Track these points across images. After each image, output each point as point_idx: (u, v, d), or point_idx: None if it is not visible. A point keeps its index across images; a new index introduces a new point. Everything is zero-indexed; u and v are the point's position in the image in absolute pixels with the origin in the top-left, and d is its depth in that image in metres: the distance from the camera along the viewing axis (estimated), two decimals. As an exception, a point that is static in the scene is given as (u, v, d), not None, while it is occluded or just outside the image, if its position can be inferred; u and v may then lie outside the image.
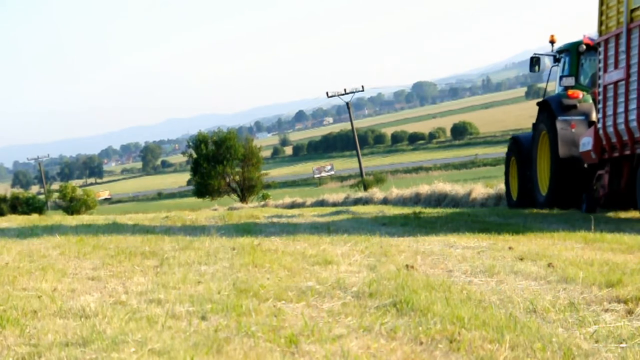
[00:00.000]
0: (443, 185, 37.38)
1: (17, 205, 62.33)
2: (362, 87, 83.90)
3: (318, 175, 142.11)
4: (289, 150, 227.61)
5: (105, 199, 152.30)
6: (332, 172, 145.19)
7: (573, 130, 18.21)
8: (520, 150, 21.06)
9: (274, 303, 6.56)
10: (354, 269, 8.41)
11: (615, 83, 15.76)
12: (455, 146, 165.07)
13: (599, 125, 16.58)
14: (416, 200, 38.32)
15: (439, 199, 35.72)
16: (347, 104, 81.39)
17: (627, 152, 15.76)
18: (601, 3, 16.39)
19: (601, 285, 7.09)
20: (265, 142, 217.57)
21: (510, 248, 9.98)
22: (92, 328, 5.69)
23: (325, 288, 7.16)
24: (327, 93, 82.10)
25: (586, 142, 17.49)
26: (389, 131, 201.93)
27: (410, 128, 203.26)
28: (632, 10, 15.07)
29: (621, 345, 5.22)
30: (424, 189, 38.92)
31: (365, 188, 60.06)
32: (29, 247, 11.25)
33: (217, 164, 72.95)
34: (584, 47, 19.32)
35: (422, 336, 5.36)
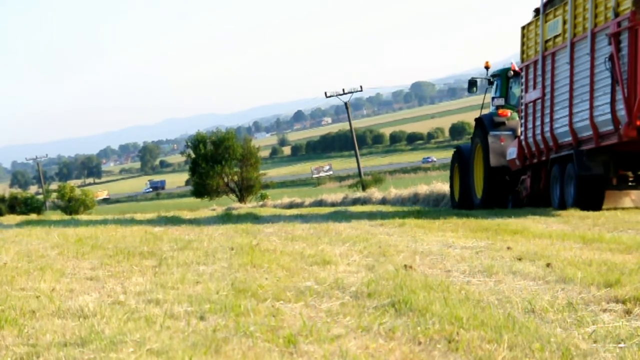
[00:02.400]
0: (442, 185, 37.40)
1: (16, 206, 62.25)
2: (361, 87, 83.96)
3: (316, 175, 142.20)
4: (287, 150, 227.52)
5: (104, 199, 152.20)
6: (331, 172, 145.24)
7: (502, 143, 21.58)
8: (461, 159, 24.11)
9: (273, 303, 6.56)
10: (353, 269, 8.41)
11: (534, 101, 19.32)
12: (454, 146, 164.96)
13: (522, 137, 20.15)
14: (415, 200, 38.35)
15: (437, 199, 35.75)
16: (346, 104, 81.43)
17: (544, 159, 19.15)
18: (522, 35, 20.19)
19: (599, 285, 7.09)
20: (263, 142, 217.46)
21: (508, 248, 9.97)
22: (91, 328, 5.69)
23: (323, 288, 7.16)
24: (325, 93, 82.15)
25: (512, 152, 20.91)
26: (387, 131, 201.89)
27: (409, 128, 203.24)
28: (546, 41, 18.72)
29: (619, 345, 5.22)
30: (423, 189, 38.96)
31: (364, 188, 60.07)
32: (28, 247, 11.25)
33: (216, 164, 72.90)
34: (512, 72, 22.77)
35: (420, 336, 5.36)
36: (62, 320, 6.11)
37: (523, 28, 20.20)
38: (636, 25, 15.28)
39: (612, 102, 15.97)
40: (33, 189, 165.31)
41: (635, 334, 5.44)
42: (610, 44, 15.85)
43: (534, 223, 14.17)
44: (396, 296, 6.58)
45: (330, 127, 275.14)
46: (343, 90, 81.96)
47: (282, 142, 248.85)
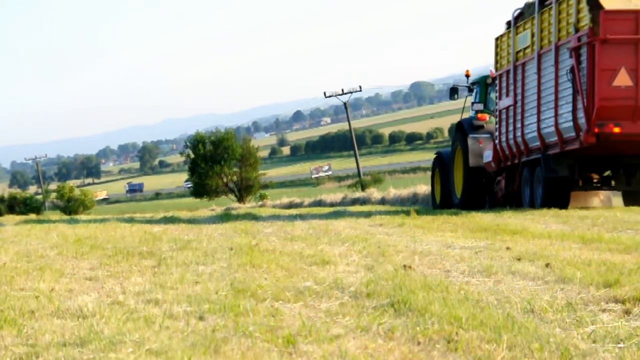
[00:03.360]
0: (441, 186, 37.33)
1: (15, 206, 62.20)
2: (360, 87, 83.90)
3: (316, 176, 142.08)
4: (286, 151, 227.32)
5: (103, 199, 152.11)
6: (330, 172, 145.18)
7: (480, 145, 22.77)
8: (442, 163, 25.56)
9: (272, 303, 6.56)
10: (352, 269, 8.41)
11: (507, 108, 20.77)
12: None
13: (497, 141, 21.47)
14: (414, 200, 38.36)
15: (436, 199, 35.68)
16: (345, 104, 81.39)
17: (516, 161, 20.50)
18: (496, 46, 21.66)
19: (599, 285, 7.09)
20: (262, 142, 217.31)
21: (507, 248, 9.97)
22: (90, 328, 5.69)
23: (322, 288, 7.16)
24: (324, 93, 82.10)
25: (488, 155, 22.14)
26: (386, 131, 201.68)
27: (408, 128, 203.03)
28: (517, 52, 20.24)
29: (619, 345, 5.22)
30: (422, 189, 38.96)
31: (363, 188, 60.06)
32: (27, 247, 11.25)
33: (215, 164, 72.86)
34: (491, 80, 23.75)
35: (419, 336, 5.36)
36: (61, 320, 6.11)
37: (497, 39, 21.60)
38: (594, 41, 16.59)
39: (574, 110, 17.23)
40: (32, 189, 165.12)
41: (634, 334, 5.45)
42: (571, 57, 17.14)
43: (533, 223, 14.17)
44: (395, 296, 6.58)
45: (329, 127, 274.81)
46: (342, 90, 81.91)
47: (281, 142, 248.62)
